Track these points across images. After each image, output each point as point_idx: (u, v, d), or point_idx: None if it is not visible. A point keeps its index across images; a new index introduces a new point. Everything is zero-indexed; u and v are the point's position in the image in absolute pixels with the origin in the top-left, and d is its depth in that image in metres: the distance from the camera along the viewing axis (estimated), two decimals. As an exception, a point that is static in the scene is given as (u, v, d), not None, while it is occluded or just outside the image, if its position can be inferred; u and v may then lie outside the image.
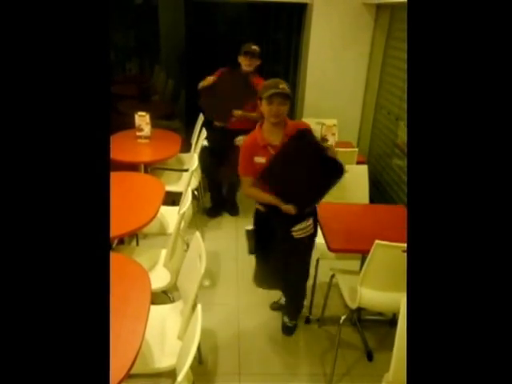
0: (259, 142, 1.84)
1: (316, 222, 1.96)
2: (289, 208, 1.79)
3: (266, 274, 2.18)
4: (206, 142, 3.15)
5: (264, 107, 1.79)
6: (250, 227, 2.01)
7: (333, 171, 1.76)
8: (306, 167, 1.77)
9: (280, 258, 2.00)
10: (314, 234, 1.97)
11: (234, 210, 3.41)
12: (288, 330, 2.21)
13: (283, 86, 1.77)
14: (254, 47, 2.90)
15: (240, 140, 3.02)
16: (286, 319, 2.22)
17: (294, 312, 2.21)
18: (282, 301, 2.31)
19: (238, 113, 2.87)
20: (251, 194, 1.90)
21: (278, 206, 1.81)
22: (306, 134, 1.78)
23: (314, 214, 1.95)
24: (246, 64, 2.89)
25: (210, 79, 2.86)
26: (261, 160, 1.82)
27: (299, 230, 1.90)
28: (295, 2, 3.55)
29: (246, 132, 2.98)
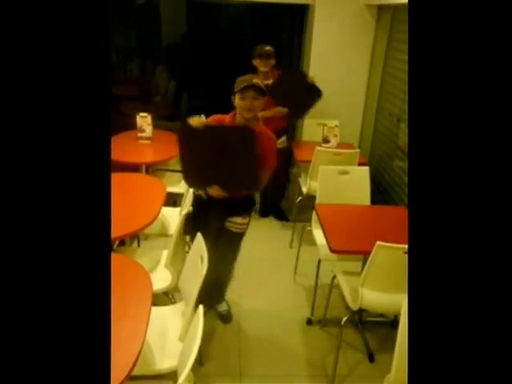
0: (225, 123, 1.86)
1: (248, 225, 2.03)
2: (215, 190, 1.82)
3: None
4: None
5: (237, 101, 1.80)
6: (187, 211, 2.01)
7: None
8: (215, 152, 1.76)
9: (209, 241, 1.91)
10: (244, 234, 2.05)
11: (281, 215, 3.42)
12: (227, 318, 2.27)
13: (257, 80, 1.79)
14: (268, 48, 2.92)
15: (282, 142, 3.03)
16: (221, 308, 2.28)
17: (218, 296, 2.29)
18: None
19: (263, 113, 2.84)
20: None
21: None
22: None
23: (250, 215, 2.02)
24: (262, 65, 2.92)
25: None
26: None
27: (233, 223, 1.98)
28: (297, 3, 3.55)
29: (276, 132, 2.99)
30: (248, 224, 2.03)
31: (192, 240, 2.06)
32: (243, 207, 2.00)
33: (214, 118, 1.93)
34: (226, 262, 2.17)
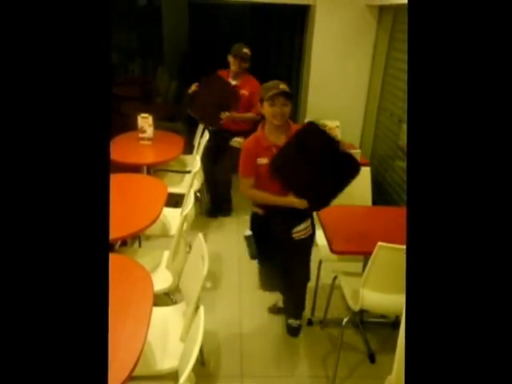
0: (262, 143, 1.83)
1: (313, 222, 1.96)
2: (301, 203, 1.75)
3: (271, 277, 2.17)
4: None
5: (266, 109, 1.77)
6: (249, 232, 1.98)
7: (348, 167, 1.72)
8: (318, 159, 1.72)
9: (282, 260, 1.99)
10: (313, 234, 1.98)
11: (227, 211, 3.43)
12: (294, 331, 2.20)
13: (284, 86, 1.76)
14: (245, 50, 2.92)
15: (235, 141, 3.04)
16: (291, 320, 2.21)
17: (299, 312, 2.21)
18: (280, 303, 2.31)
19: (225, 115, 2.90)
20: (252, 195, 1.88)
21: (285, 203, 1.78)
22: (314, 123, 1.74)
23: (311, 215, 1.96)
24: (233, 65, 2.93)
25: (192, 87, 2.94)
26: (264, 161, 1.81)
27: (299, 232, 1.90)
28: (298, 3, 3.55)
29: (241, 133, 3.02)
30: (312, 224, 1.95)
31: (262, 264, 2.11)
32: (300, 212, 1.88)
33: (247, 148, 1.87)
34: (304, 268, 2.08)
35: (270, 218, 1.92)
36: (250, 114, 2.96)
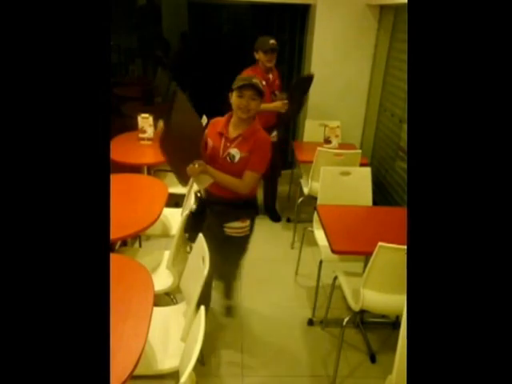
0: (218, 127, 1.86)
1: (252, 226, 1.95)
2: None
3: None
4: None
5: (234, 99, 1.76)
6: (190, 210, 1.98)
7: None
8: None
9: (210, 244, 1.81)
10: (247, 237, 1.95)
11: (274, 216, 3.40)
12: (230, 312, 2.32)
13: (256, 81, 1.76)
14: (273, 41, 2.82)
15: (274, 136, 3.03)
16: (228, 302, 2.32)
17: (228, 296, 2.32)
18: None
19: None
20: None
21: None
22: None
23: (252, 217, 1.94)
24: (267, 61, 2.84)
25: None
26: (210, 143, 1.87)
27: (233, 228, 1.89)
28: (299, 3, 3.55)
29: (270, 128, 3.00)
30: (250, 227, 1.94)
31: (190, 239, 2.03)
32: (241, 210, 1.91)
33: (212, 122, 1.93)
34: (232, 264, 2.16)
35: (208, 204, 1.94)
36: (277, 104, 2.86)
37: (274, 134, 3.07)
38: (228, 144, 1.82)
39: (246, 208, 1.94)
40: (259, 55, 2.86)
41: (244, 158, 1.80)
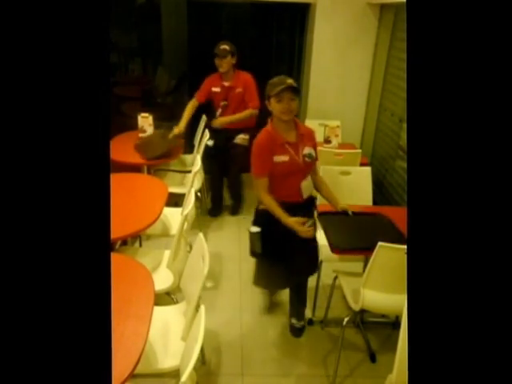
0: (276, 141, 1.82)
1: (315, 223, 1.97)
2: (303, 230, 1.77)
3: (268, 275, 2.17)
4: (210, 142, 3.15)
5: (274, 105, 1.76)
6: (256, 229, 1.95)
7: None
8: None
9: (289, 257, 1.96)
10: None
11: (235, 209, 3.43)
12: (297, 332, 2.20)
13: (290, 81, 1.74)
14: (223, 47, 2.83)
15: (240, 138, 3.03)
16: (294, 320, 2.20)
17: (302, 312, 2.21)
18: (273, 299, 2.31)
19: (222, 120, 2.92)
20: (268, 203, 1.84)
21: (287, 224, 1.78)
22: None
23: (312, 214, 1.99)
24: (219, 66, 2.88)
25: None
26: (282, 158, 1.82)
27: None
28: (299, 2, 3.55)
29: (245, 130, 3.00)
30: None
31: (264, 261, 2.06)
32: (308, 210, 1.96)
33: (260, 145, 1.85)
34: (313, 269, 2.14)
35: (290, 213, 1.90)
36: (246, 112, 2.94)
37: (242, 135, 3.04)
38: (297, 148, 1.84)
39: (312, 206, 2.04)
40: (215, 61, 2.90)
41: (315, 151, 1.89)
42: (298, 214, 1.84)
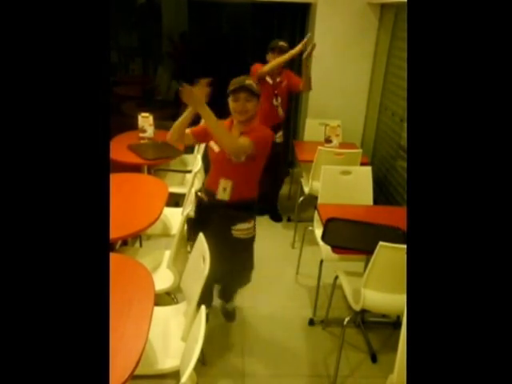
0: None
1: (255, 226, 1.96)
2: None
3: None
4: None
5: (230, 103, 1.76)
6: (188, 215, 1.95)
7: None
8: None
9: (215, 249, 1.80)
10: (253, 239, 1.98)
11: (276, 216, 3.40)
12: (230, 316, 2.26)
13: (249, 81, 1.75)
14: (282, 43, 2.94)
15: (280, 137, 3.07)
16: (226, 304, 2.27)
17: (228, 296, 2.28)
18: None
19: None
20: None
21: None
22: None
23: (254, 218, 1.96)
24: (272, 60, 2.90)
25: None
26: (215, 147, 1.86)
27: (239, 230, 1.89)
28: (299, 1, 3.54)
29: (277, 128, 3.00)
30: (254, 227, 1.95)
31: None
32: (245, 211, 1.92)
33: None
34: (246, 268, 2.10)
35: (213, 207, 1.90)
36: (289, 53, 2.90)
37: (280, 134, 3.08)
38: None
39: (251, 209, 1.95)
40: (269, 56, 2.95)
41: (249, 156, 1.77)
42: (230, 214, 1.86)
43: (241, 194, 1.86)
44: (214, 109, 1.66)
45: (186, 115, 1.76)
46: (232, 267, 2.03)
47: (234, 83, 1.75)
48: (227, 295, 2.30)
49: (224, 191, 1.85)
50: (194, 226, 1.93)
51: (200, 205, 1.97)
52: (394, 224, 1.91)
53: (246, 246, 1.99)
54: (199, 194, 2.00)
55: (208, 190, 1.94)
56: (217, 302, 2.38)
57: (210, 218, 1.91)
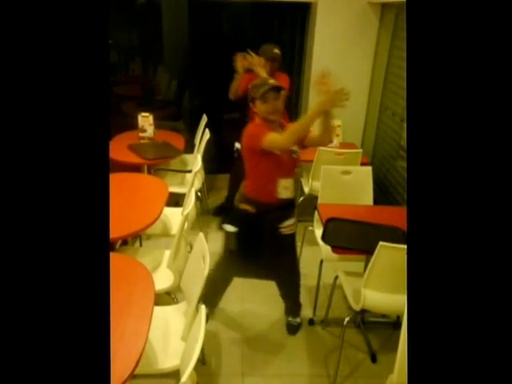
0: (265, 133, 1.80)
1: (296, 223, 2.03)
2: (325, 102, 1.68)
3: (242, 270, 2.17)
4: (238, 145, 3.15)
5: (259, 107, 1.78)
6: (231, 228, 1.93)
7: None
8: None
9: (267, 257, 1.95)
10: (295, 234, 2.05)
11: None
12: (293, 329, 2.21)
13: (272, 81, 1.78)
14: (276, 51, 2.79)
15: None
16: (290, 318, 2.23)
17: (294, 309, 2.22)
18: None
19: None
20: (292, 132, 1.70)
21: (317, 111, 1.70)
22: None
23: (294, 213, 2.01)
24: (267, 69, 2.79)
25: None
26: (277, 151, 1.84)
27: (288, 227, 1.96)
28: (299, 1, 3.54)
29: None
30: (295, 224, 2.01)
31: (246, 260, 2.04)
32: (291, 209, 1.99)
33: (254, 125, 1.84)
34: (295, 265, 2.15)
35: (262, 217, 1.91)
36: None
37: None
38: None
39: (293, 206, 2.02)
40: None
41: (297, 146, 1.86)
42: (278, 215, 1.88)
43: (292, 192, 1.95)
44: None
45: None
46: (283, 266, 2.08)
47: (259, 87, 1.76)
48: (290, 306, 2.24)
49: (286, 189, 1.89)
50: (245, 239, 1.92)
51: (246, 217, 1.92)
52: (394, 224, 1.91)
53: (291, 242, 2.05)
54: (241, 206, 1.94)
55: (255, 199, 1.89)
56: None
57: (261, 227, 1.91)
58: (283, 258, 2.04)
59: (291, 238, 2.02)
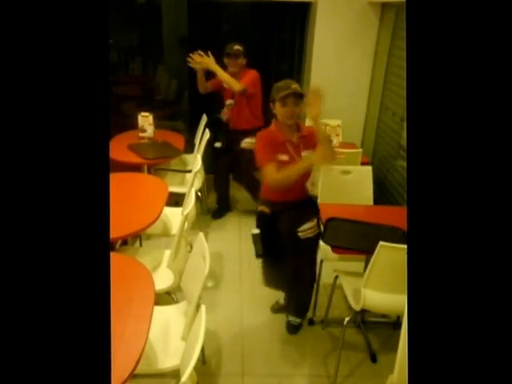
0: (278, 139, 1.85)
1: (319, 222, 1.97)
2: (318, 158, 1.72)
3: (275, 275, 2.17)
4: (218, 144, 3.17)
5: (278, 109, 1.79)
6: (256, 231, 1.96)
7: None
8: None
9: (288, 259, 1.99)
10: (319, 234, 1.99)
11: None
12: (293, 329, 2.21)
13: (295, 86, 1.78)
14: (237, 47, 2.89)
15: (246, 142, 3.02)
16: (292, 317, 2.21)
17: (301, 310, 2.21)
18: (282, 301, 2.31)
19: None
20: (282, 177, 1.77)
21: (306, 164, 1.75)
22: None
23: (317, 215, 1.97)
24: (230, 65, 2.90)
25: None
26: (282, 157, 1.85)
27: (305, 230, 1.93)
28: (299, 1, 3.54)
29: (251, 133, 2.99)
30: (318, 225, 1.97)
31: (267, 262, 2.09)
32: (310, 209, 1.97)
33: (263, 137, 1.88)
34: (312, 272, 2.11)
35: (277, 217, 1.93)
36: (233, 80, 2.83)
37: (249, 139, 2.99)
38: (298, 149, 1.86)
39: (312, 206, 2.01)
40: (225, 60, 2.92)
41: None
42: (294, 217, 1.88)
43: (307, 189, 1.98)
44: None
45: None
46: (306, 271, 2.06)
47: (281, 89, 1.76)
48: (300, 307, 2.22)
49: (313, 185, 1.95)
50: (264, 241, 1.95)
51: (263, 218, 1.96)
52: (394, 224, 1.91)
53: (311, 247, 2.01)
54: (259, 208, 1.98)
55: (268, 199, 1.94)
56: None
57: (277, 227, 1.93)
58: (301, 262, 2.01)
59: (311, 242, 1.96)
